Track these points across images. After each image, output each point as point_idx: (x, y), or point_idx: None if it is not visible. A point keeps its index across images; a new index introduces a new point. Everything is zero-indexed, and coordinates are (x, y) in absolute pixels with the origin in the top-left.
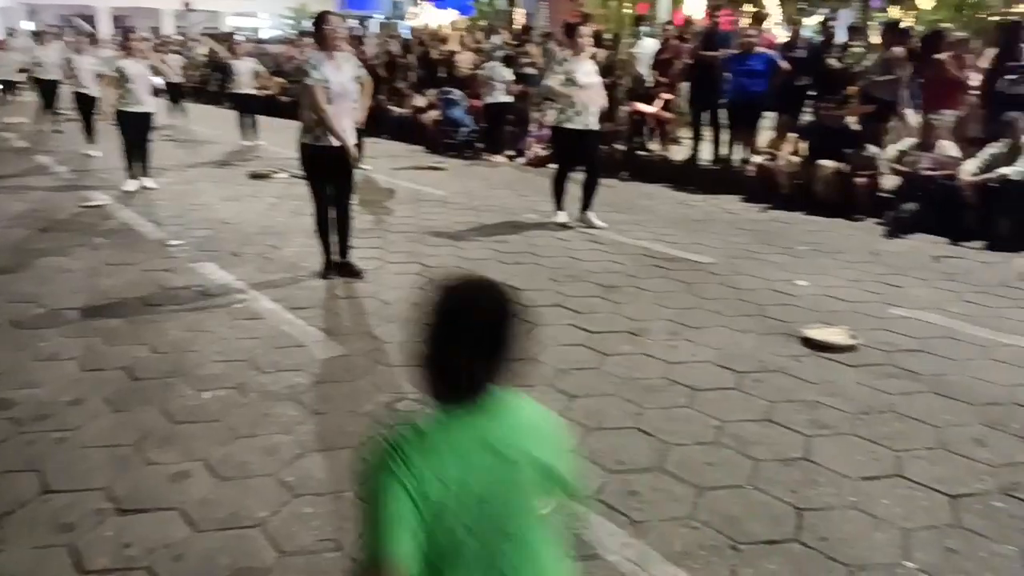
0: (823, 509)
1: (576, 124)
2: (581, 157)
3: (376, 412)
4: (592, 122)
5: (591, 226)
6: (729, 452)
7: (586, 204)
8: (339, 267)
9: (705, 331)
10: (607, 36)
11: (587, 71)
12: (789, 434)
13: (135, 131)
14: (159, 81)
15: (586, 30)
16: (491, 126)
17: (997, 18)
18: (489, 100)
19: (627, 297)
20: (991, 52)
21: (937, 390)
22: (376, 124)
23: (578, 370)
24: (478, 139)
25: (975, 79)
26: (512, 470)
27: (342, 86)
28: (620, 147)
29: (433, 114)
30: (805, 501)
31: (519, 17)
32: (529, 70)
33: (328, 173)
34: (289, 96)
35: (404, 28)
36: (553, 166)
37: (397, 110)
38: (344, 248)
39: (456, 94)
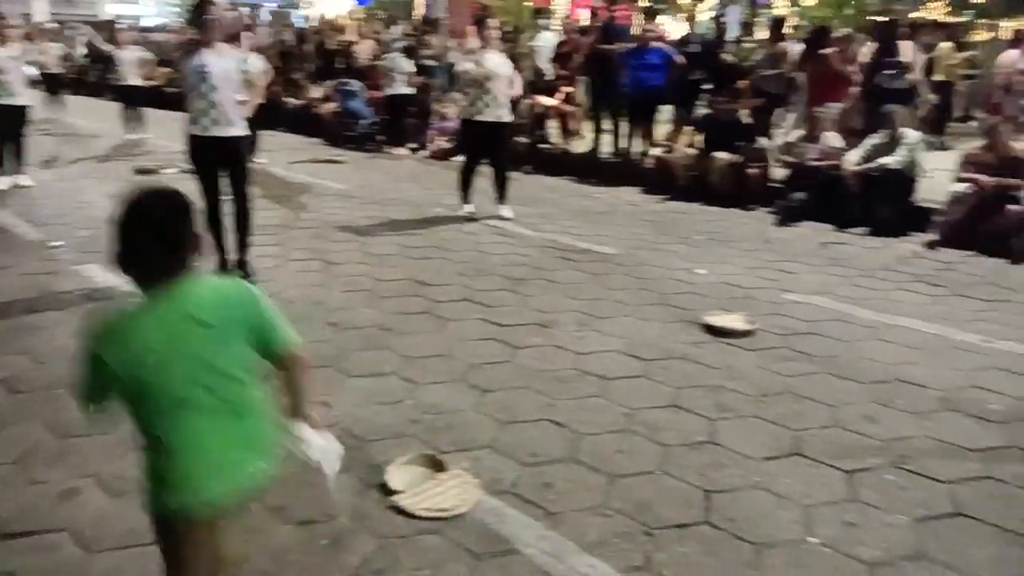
0: (730, 490)
1: (487, 116)
2: (489, 150)
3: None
4: (502, 114)
5: (502, 218)
6: (639, 439)
7: (501, 197)
8: (237, 265)
9: (612, 321)
10: (506, 29)
11: (496, 63)
12: (695, 418)
13: (8, 125)
14: (34, 71)
15: (494, 22)
16: (392, 118)
17: (876, 16)
18: (390, 92)
19: (536, 289)
20: (871, 48)
21: (830, 370)
22: (272, 116)
23: (489, 364)
24: (379, 131)
25: (857, 74)
26: (212, 331)
27: (225, 75)
28: (522, 140)
29: (331, 106)
30: (713, 483)
31: (419, 7)
32: (430, 62)
33: (219, 165)
34: (176, 87)
35: (298, 17)
36: (458, 159)
37: (293, 102)
38: (243, 246)
39: (355, 85)
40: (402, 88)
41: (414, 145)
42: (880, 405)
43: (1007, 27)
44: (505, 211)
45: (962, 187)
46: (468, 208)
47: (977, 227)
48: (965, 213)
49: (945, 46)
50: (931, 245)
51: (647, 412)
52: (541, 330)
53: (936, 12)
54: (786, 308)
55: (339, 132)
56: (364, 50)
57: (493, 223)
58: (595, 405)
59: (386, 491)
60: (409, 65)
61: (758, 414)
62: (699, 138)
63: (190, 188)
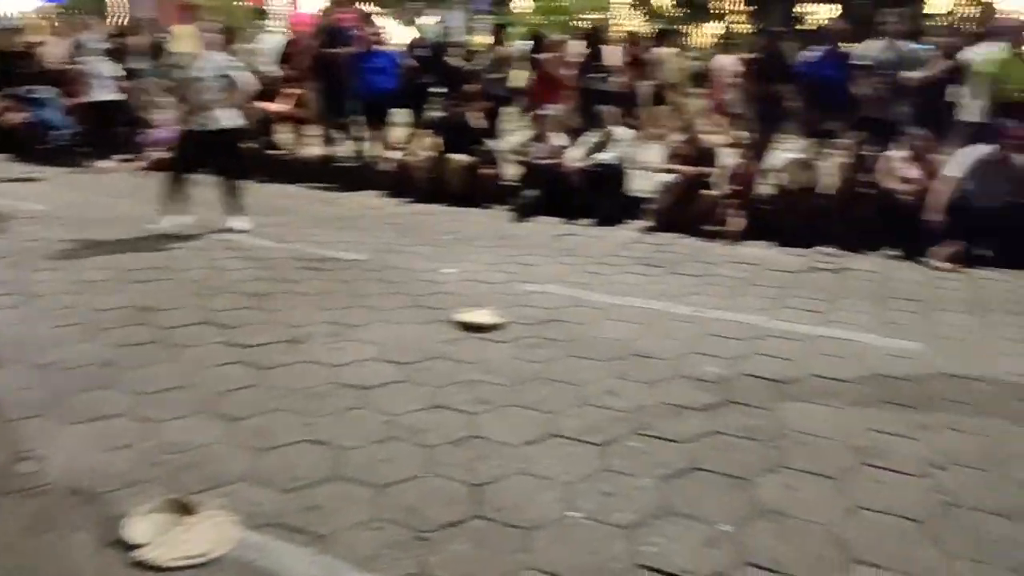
0: (495, 480)
1: (204, 124)
2: (214, 159)
3: None
4: (222, 121)
5: (238, 231)
6: (403, 444)
7: (234, 209)
8: None
9: (366, 328)
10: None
11: (216, 66)
12: (456, 415)
13: None
14: None
15: (212, 26)
16: (97, 127)
17: (583, 23)
18: (92, 98)
19: (282, 304)
20: (581, 52)
21: (573, 353)
22: None
23: (237, 390)
24: (81, 143)
25: (572, 77)
26: None
27: None
28: (250, 146)
29: (20, 116)
30: (478, 476)
31: (119, 7)
32: (137, 64)
33: None
34: None
35: None
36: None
37: None
38: None
39: (45, 92)
40: (106, 94)
41: (125, 156)
42: (619, 379)
43: (696, 33)
44: (240, 223)
45: (669, 177)
46: (169, 220)
47: (683, 212)
48: (672, 200)
49: (672, 51)
50: (647, 230)
51: (408, 416)
52: (292, 346)
53: (633, 22)
54: (528, 299)
55: (30, 145)
56: (55, 53)
57: (227, 237)
58: (355, 417)
59: (127, 546)
60: (113, 69)
61: (514, 402)
62: (436, 141)
63: None
